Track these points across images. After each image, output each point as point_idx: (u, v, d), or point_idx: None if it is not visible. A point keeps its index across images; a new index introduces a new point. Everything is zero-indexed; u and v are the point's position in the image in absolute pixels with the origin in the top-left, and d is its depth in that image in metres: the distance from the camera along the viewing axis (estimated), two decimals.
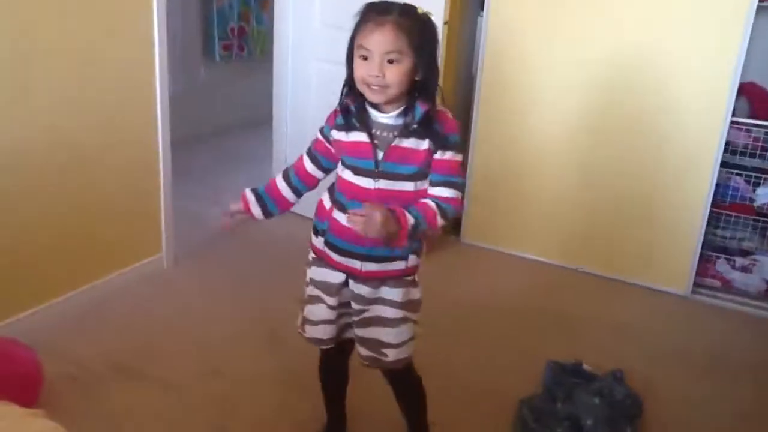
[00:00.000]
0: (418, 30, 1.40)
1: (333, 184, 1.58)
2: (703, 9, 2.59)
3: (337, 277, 1.57)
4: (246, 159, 4.29)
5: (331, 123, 1.55)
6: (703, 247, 2.82)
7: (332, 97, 2.44)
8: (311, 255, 1.65)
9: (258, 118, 4.38)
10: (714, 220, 2.85)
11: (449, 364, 2.23)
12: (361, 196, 1.47)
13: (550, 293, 2.84)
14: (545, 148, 2.95)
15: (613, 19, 2.73)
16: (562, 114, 2.88)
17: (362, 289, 1.55)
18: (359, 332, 1.60)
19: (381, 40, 1.38)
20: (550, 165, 2.98)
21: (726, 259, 2.88)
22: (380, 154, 1.46)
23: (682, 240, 2.82)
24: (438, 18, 2.63)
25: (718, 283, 2.88)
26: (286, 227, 3.31)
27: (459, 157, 1.47)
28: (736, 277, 2.86)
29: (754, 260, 2.84)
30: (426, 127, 1.43)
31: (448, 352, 2.29)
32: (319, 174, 1.63)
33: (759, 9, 2.51)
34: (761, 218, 2.81)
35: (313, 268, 1.63)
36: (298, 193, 1.66)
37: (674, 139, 2.75)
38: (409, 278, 1.58)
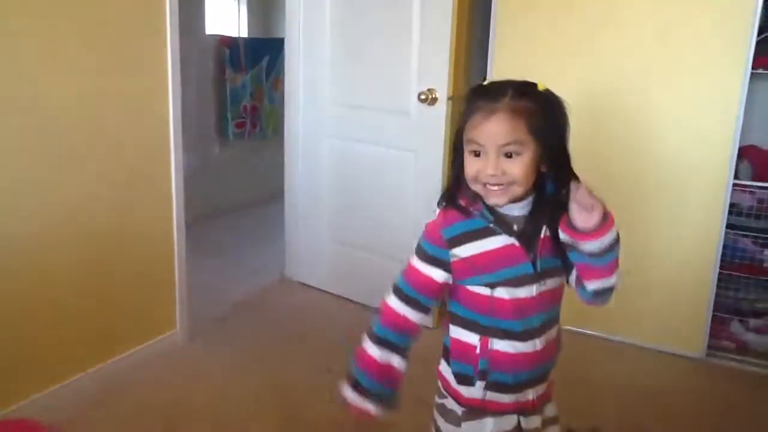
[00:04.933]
0: (539, 112, 1.17)
1: (465, 316, 1.29)
2: (701, 75, 2.67)
3: (512, 422, 1.30)
4: (260, 234, 4.37)
5: (439, 241, 1.25)
6: (716, 309, 2.81)
7: (341, 175, 2.41)
8: (458, 410, 1.32)
9: (271, 194, 4.48)
10: (724, 281, 2.86)
11: None
12: (529, 310, 1.24)
13: (562, 358, 2.82)
14: None
15: (611, 92, 2.82)
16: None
17: (536, 421, 1.33)
18: None
19: (494, 131, 1.15)
20: None
21: (740, 320, 2.87)
22: (530, 255, 1.22)
23: (694, 302, 2.82)
24: (442, 94, 2.77)
25: (732, 345, 2.86)
26: (300, 297, 3.37)
27: None
28: (751, 338, 2.84)
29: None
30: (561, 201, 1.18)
31: None
32: (423, 319, 1.30)
33: (753, 75, 2.59)
34: None
35: (467, 425, 1.30)
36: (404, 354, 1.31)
37: (679, 201, 2.79)
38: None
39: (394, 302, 1.31)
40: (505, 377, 1.26)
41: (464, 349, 1.28)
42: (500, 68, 2.93)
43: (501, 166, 1.16)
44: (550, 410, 1.37)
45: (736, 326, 2.88)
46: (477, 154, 1.19)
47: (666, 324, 2.89)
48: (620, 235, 1.17)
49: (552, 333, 1.31)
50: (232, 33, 5.24)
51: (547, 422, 1.35)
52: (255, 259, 3.88)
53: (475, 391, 1.28)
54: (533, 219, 1.22)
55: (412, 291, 1.29)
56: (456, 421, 1.31)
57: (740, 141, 2.67)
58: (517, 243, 1.21)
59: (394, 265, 3.02)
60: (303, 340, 2.88)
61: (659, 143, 2.79)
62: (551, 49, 2.87)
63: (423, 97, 2.80)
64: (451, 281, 1.26)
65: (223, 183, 4.78)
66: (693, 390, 2.62)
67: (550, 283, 1.25)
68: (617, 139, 2.85)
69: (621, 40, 2.77)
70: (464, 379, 1.30)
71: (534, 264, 1.22)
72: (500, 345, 1.25)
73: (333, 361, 2.64)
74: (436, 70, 2.77)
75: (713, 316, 2.81)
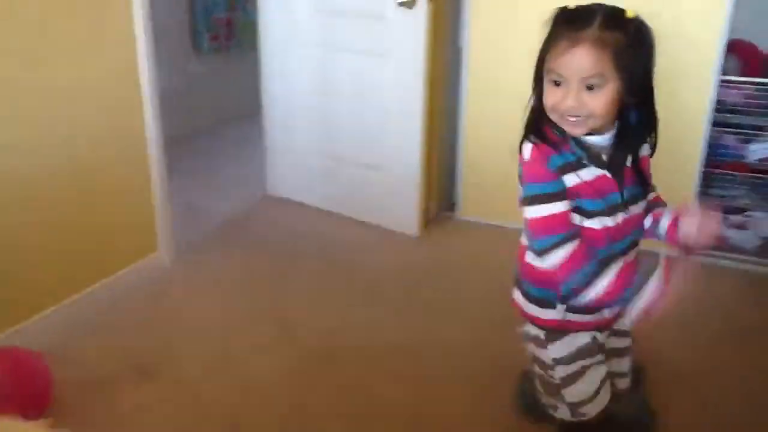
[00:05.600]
0: (626, 43, 1.13)
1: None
2: None
3: (589, 336, 1.39)
4: (240, 149, 4.31)
5: (549, 175, 1.22)
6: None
7: (320, 85, 2.30)
8: (538, 332, 1.40)
9: (251, 109, 4.38)
10: (707, 179, 2.85)
11: (446, 343, 2.23)
12: (615, 236, 1.27)
13: None
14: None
15: None
16: None
17: (613, 341, 1.48)
18: (617, 367, 1.52)
19: (578, 63, 1.12)
20: None
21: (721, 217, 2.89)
22: (620, 184, 1.25)
23: (677, 201, 2.81)
24: None
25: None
26: (283, 212, 3.37)
27: None
28: (732, 234, 2.87)
29: (749, 217, 2.84)
30: (645, 129, 1.27)
31: (446, 332, 2.30)
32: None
33: None
34: (754, 175, 2.81)
35: (552, 346, 1.39)
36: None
37: (665, 101, 2.74)
38: None
39: (553, 259, 1.24)
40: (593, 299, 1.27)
41: (544, 274, 1.30)
42: None
43: (582, 98, 1.14)
44: (622, 324, 1.46)
45: None
46: (558, 84, 1.16)
47: None
48: None
49: (630, 255, 1.33)
50: None
51: (618, 352, 1.49)
52: (237, 177, 3.84)
53: (556, 315, 1.35)
54: (619, 149, 1.23)
55: (555, 237, 1.23)
56: (542, 343, 1.40)
57: (729, 35, 2.59)
58: (608, 174, 1.22)
59: (376, 175, 3.07)
60: (288, 258, 2.88)
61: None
62: None
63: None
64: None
65: (201, 99, 4.67)
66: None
67: (634, 209, 1.29)
68: None
69: None
70: (544, 303, 1.36)
71: (622, 193, 1.25)
72: (591, 269, 1.24)
73: (319, 279, 2.68)
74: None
75: None
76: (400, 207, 3.05)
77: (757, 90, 2.71)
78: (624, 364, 1.55)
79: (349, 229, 3.13)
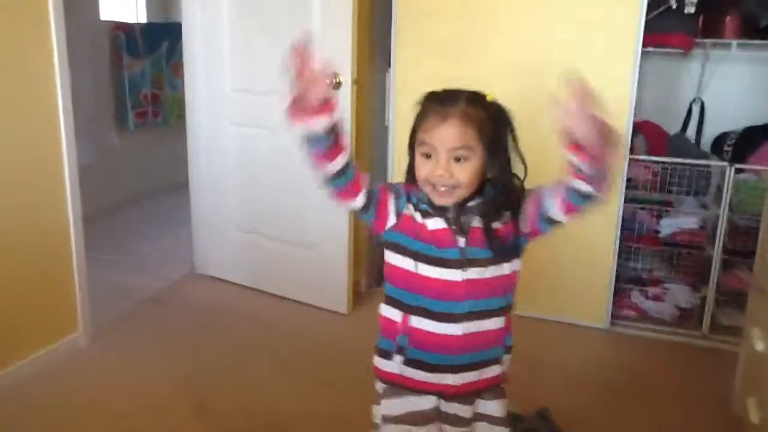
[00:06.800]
0: (489, 120, 1.24)
1: (391, 293, 1.35)
2: (595, 55, 2.76)
3: (429, 402, 1.34)
4: (166, 224, 4.22)
5: (404, 193, 1.32)
6: (617, 281, 2.93)
7: (245, 162, 2.33)
8: (380, 386, 1.40)
9: (177, 184, 4.34)
10: (624, 253, 2.98)
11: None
12: (450, 293, 1.28)
13: None
14: None
15: (512, 67, 2.87)
16: None
17: (459, 409, 1.36)
18: None
19: (446, 135, 1.21)
20: None
21: (639, 290, 3.00)
22: (461, 241, 1.27)
23: (597, 276, 2.92)
24: (346, 78, 2.73)
25: (634, 314, 3.00)
26: (208, 290, 3.29)
27: None
28: (650, 306, 2.98)
29: (665, 289, 2.97)
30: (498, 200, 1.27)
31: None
32: (359, 197, 1.30)
33: (644, 53, 2.69)
34: (667, 248, 2.95)
35: (386, 401, 1.37)
36: (345, 167, 1.28)
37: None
38: (503, 386, 1.42)
39: (365, 179, 1.31)
40: (422, 355, 1.30)
41: (388, 324, 1.33)
42: (402, 58, 2.95)
43: (450, 168, 1.22)
44: (486, 408, 1.39)
45: (636, 296, 3.01)
46: (428, 156, 1.25)
47: (571, 297, 2.98)
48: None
49: (485, 325, 1.32)
50: (130, 18, 5.02)
51: (480, 418, 1.38)
52: (161, 253, 3.75)
53: (393, 367, 1.34)
54: (462, 208, 1.28)
55: (373, 191, 1.31)
56: (378, 399, 1.38)
57: (634, 117, 2.77)
58: (447, 226, 1.27)
59: (303, 252, 3.05)
60: (211, 335, 2.80)
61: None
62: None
63: (327, 81, 2.75)
64: (365, 203, 1.30)
65: (125, 174, 4.60)
66: (599, 361, 2.72)
67: (475, 273, 1.28)
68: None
69: (513, 40, 2.84)
70: (384, 354, 1.35)
71: (461, 250, 1.27)
72: (419, 323, 1.29)
73: (243, 355, 2.61)
74: (340, 54, 2.72)
75: (615, 287, 2.93)
76: (329, 284, 3.03)
77: (663, 169, 2.88)
78: None
79: (276, 307, 3.09)
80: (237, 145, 3.18)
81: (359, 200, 1.30)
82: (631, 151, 2.81)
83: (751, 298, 2.26)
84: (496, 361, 1.36)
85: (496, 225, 1.28)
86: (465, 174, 1.23)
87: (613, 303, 2.94)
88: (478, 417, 1.39)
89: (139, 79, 4.63)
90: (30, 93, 2.35)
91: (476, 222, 1.28)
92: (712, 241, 2.84)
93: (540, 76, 2.83)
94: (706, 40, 2.84)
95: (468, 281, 1.27)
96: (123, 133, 4.60)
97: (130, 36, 4.51)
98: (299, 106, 1.19)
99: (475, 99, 1.25)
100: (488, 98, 1.27)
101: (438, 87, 1.32)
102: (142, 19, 5.13)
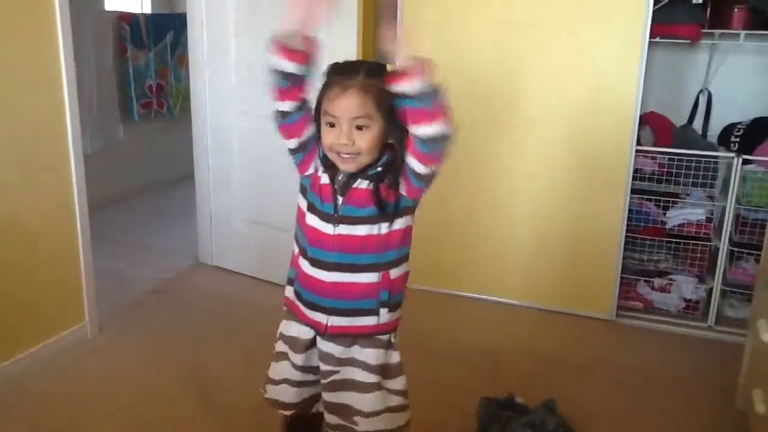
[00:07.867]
0: (387, 90, 1.26)
1: (295, 231, 1.48)
2: (602, 48, 2.74)
3: (306, 333, 1.47)
4: (171, 216, 4.23)
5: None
6: (623, 272, 2.93)
7: (250, 152, 2.36)
8: (284, 307, 1.54)
9: (182, 175, 4.35)
10: (630, 244, 2.97)
11: None
12: (322, 243, 1.40)
13: (476, 328, 2.89)
14: (463, 190, 3.04)
15: (516, 71, 2.86)
16: (480, 154, 2.98)
17: (331, 348, 1.44)
18: (327, 397, 1.47)
19: (347, 105, 1.29)
20: (470, 205, 3.07)
21: (645, 281, 3.00)
22: (340, 199, 1.38)
23: (603, 266, 2.92)
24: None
25: (640, 305, 2.99)
26: (214, 280, 3.30)
27: None
28: (656, 297, 2.97)
29: (671, 280, 2.96)
30: (387, 171, 1.35)
31: None
32: (291, 141, 1.40)
33: (651, 44, 2.68)
34: (673, 239, 2.94)
35: (284, 321, 1.53)
36: (290, 113, 1.37)
37: (587, 169, 2.87)
38: (384, 338, 1.45)
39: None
40: (302, 291, 1.45)
41: (293, 255, 1.49)
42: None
43: (352, 136, 1.30)
44: (360, 354, 1.44)
45: (642, 287, 3.00)
46: (332, 125, 1.33)
47: (577, 288, 2.98)
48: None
49: (354, 277, 1.41)
50: (135, 8, 5.00)
51: (351, 362, 1.44)
52: (167, 244, 3.76)
53: (290, 293, 1.50)
54: (354, 175, 1.36)
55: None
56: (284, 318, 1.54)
57: (641, 108, 2.76)
58: (329, 183, 1.38)
59: None
60: (218, 326, 2.81)
61: (565, 114, 2.85)
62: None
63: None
64: (296, 147, 1.41)
65: (131, 165, 4.60)
66: (606, 353, 2.72)
67: (346, 229, 1.37)
68: (522, 113, 2.89)
69: (521, 36, 2.84)
70: (289, 281, 1.51)
71: (336, 206, 1.37)
72: (302, 263, 1.44)
73: (249, 345, 2.61)
74: (344, 42, 2.71)
75: (621, 278, 2.93)
76: None
77: (670, 160, 2.87)
78: (355, 401, 1.45)
79: (282, 298, 3.07)
80: (242, 136, 3.18)
81: (291, 143, 1.41)
82: (638, 142, 2.80)
83: (758, 290, 2.25)
84: (371, 312, 1.42)
85: (383, 187, 1.36)
86: (365, 141, 1.31)
87: (619, 294, 2.95)
88: (354, 362, 1.45)
89: (144, 69, 4.62)
90: (35, 84, 2.34)
91: (360, 184, 1.36)
92: (718, 233, 2.83)
93: (548, 69, 2.83)
94: (713, 31, 2.81)
95: (338, 236, 1.38)
96: (128, 124, 4.60)
97: (135, 27, 4.49)
98: (283, 43, 1.29)
99: (375, 70, 1.32)
100: (388, 68, 1.30)
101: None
102: (147, 9, 5.11)
